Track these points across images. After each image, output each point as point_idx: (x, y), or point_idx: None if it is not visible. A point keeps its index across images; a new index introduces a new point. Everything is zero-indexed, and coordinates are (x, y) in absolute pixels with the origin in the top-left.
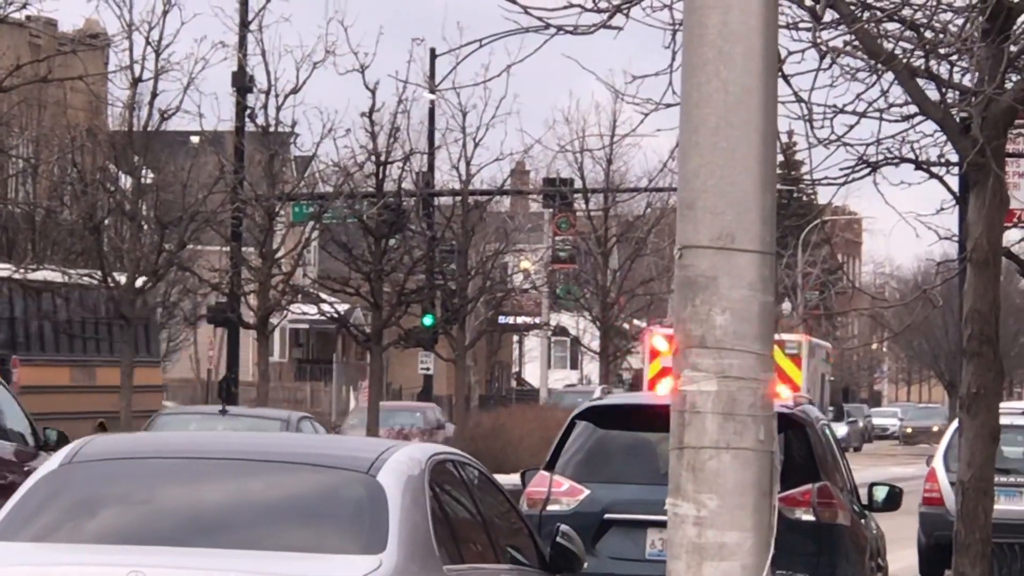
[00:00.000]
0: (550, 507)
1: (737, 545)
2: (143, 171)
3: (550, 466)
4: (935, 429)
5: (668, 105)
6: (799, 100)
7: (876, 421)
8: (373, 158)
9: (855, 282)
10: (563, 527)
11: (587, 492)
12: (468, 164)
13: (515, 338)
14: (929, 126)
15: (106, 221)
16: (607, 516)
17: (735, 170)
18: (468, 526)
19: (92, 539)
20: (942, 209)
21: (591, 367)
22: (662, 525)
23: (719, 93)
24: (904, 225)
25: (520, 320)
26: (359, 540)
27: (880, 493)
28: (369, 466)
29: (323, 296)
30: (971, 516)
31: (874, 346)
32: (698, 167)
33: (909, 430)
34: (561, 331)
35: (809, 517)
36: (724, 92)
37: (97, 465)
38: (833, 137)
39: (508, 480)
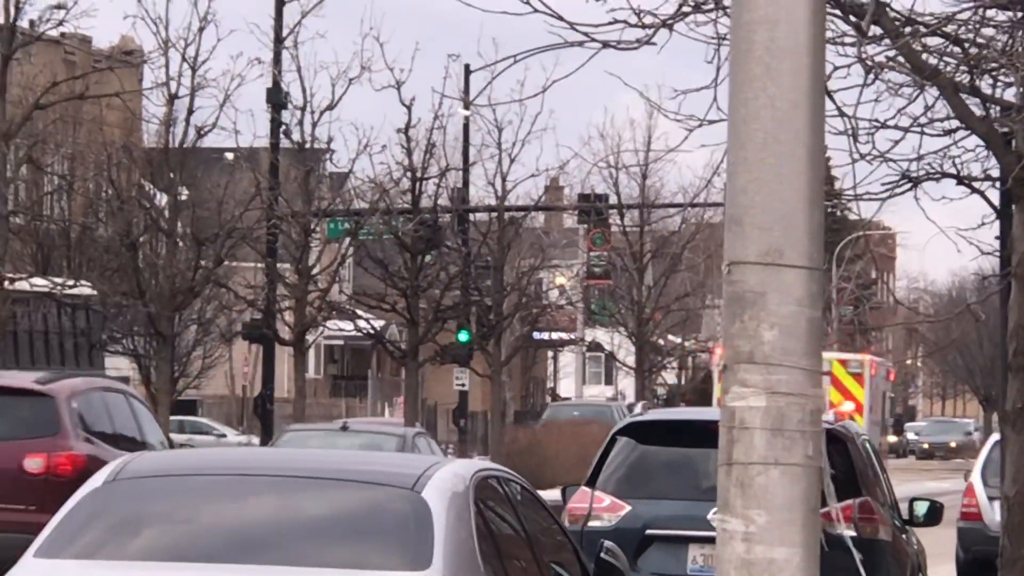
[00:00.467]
0: (591, 523)
1: (786, 561)
2: (179, 188)
3: (591, 482)
4: (952, 445)
5: (712, 122)
6: (842, 115)
7: (910, 436)
8: (409, 174)
9: (891, 296)
10: (607, 543)
11: (628, 508)
12: (504, 180)
13: (550, 354)
14: (971, 141)
15: (142, 238)
16: (648, 532)
17: (783, 186)
18: (513, 543)
19: (136, 556)
20: (983, 224)
21: (626, 382)
22: (704, 541)
23: (766, 109)
24: (938, 240)
25: (555, 336)
26: (404, 557)
27: (921, 508)
28: (414, 482)
29: (359, 312)
30: (1018, 530)
31: (909, 361)
32: (746, 183)
33: (926, 445)
34: (596, 347)
35: (850, 532)
36: (771, 108)
37: (142, 482)
38: (875, 152)
39: (547, 496)
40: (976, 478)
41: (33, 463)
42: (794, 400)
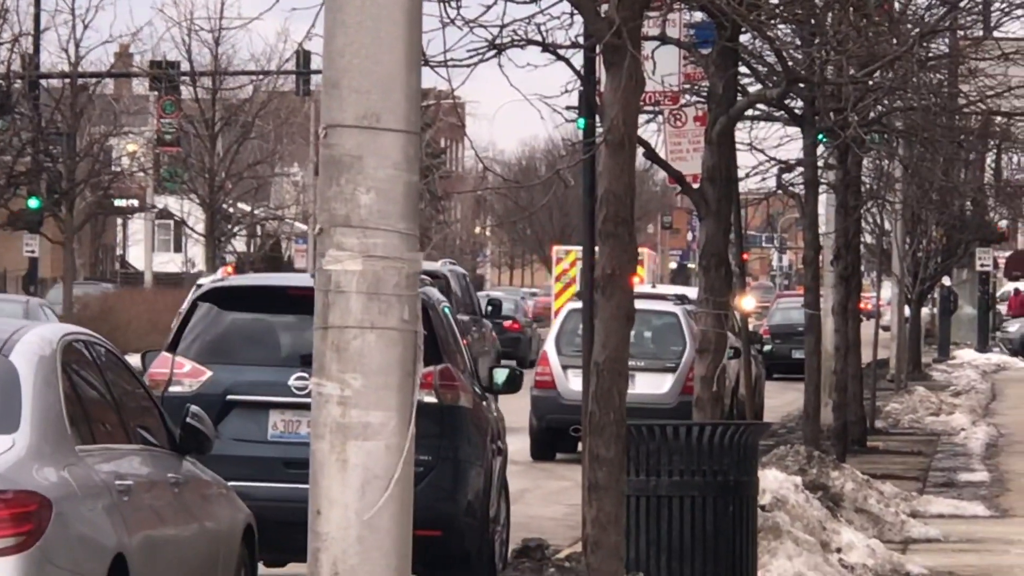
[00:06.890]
0: (172, 388)
1: (382, 425)
2: None
3: (172, 347)
4: None
5: None
6: None
7: None
8: None
9: (460, 166)
10: (194, 408)
11: (209, 374)
12: (77, 46)
13: (119, 221)
14: (557, 9)
15: None
16: (229, 397)
17: (380, 49)
18: (100, 407)
19: None
20: (567, 91)
21: (196, 250)
22: (284, 407)
23: None
24: (508, 110)
25: (127, 203)
26: None
27: (501, 376)
28: (1, 346)
29: None
30: (606, 397)
31: (478, 230)
32: (343, 46)
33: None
34: (166, 214)
35: (431, 399)
36: None
37: None
38: (463, 19)
39: None
40: (550, 347)
41: None
42: (390, 264)
